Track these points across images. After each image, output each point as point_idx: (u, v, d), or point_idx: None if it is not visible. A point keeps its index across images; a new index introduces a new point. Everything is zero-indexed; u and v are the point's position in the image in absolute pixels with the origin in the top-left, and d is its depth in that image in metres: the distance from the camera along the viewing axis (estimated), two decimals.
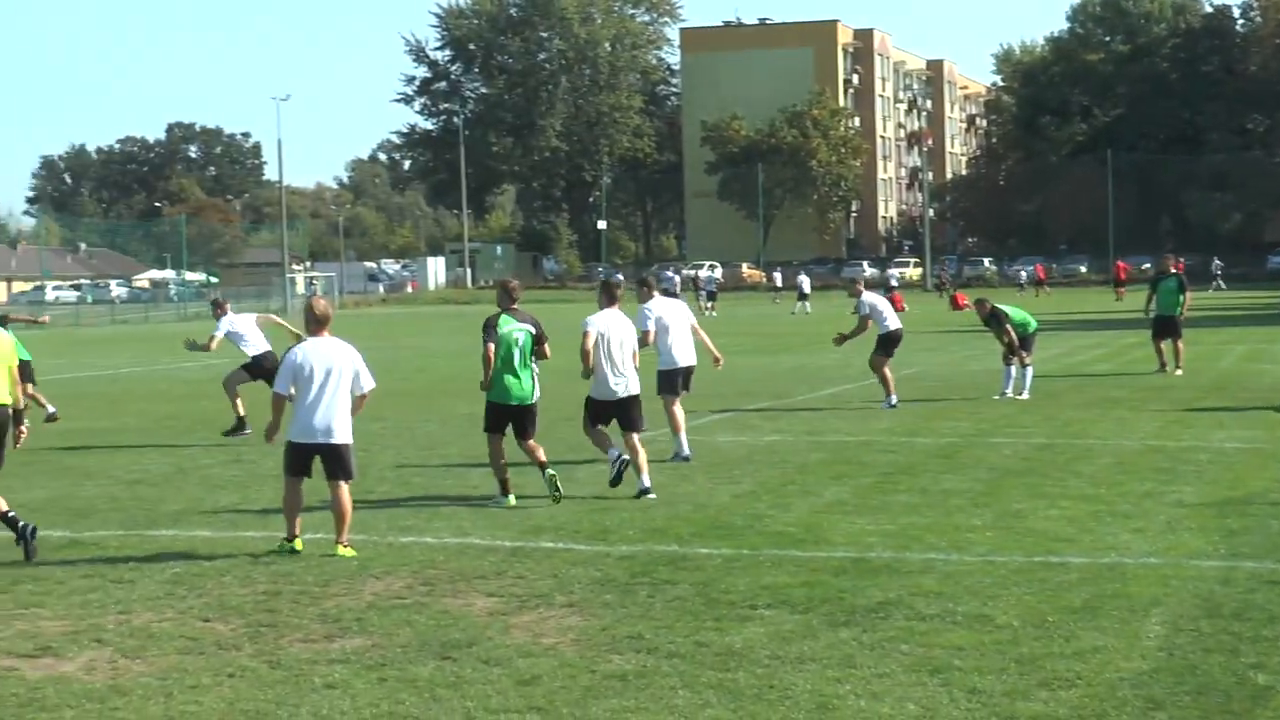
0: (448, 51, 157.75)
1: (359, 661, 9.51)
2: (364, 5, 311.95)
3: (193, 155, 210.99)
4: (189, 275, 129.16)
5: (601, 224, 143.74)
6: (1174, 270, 31.51)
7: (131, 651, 9.87)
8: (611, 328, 16.55)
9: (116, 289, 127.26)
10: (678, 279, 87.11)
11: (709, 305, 78.02)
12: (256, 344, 22.94)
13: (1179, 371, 29.93)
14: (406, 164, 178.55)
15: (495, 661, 9.45)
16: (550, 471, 15.67)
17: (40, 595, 11.58)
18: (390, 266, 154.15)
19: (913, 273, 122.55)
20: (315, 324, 13.44)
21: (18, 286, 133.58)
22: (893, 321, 25.91)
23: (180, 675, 9.26)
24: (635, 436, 16.44)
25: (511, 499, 15.62)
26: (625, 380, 16.57)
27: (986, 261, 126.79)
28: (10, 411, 13.58)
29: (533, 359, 15.92)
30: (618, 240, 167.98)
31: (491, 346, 15.77)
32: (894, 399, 25.06)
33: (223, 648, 9.94)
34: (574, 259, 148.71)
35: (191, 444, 21.58)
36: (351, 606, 11.03)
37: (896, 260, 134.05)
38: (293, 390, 13.12)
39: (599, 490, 16.39)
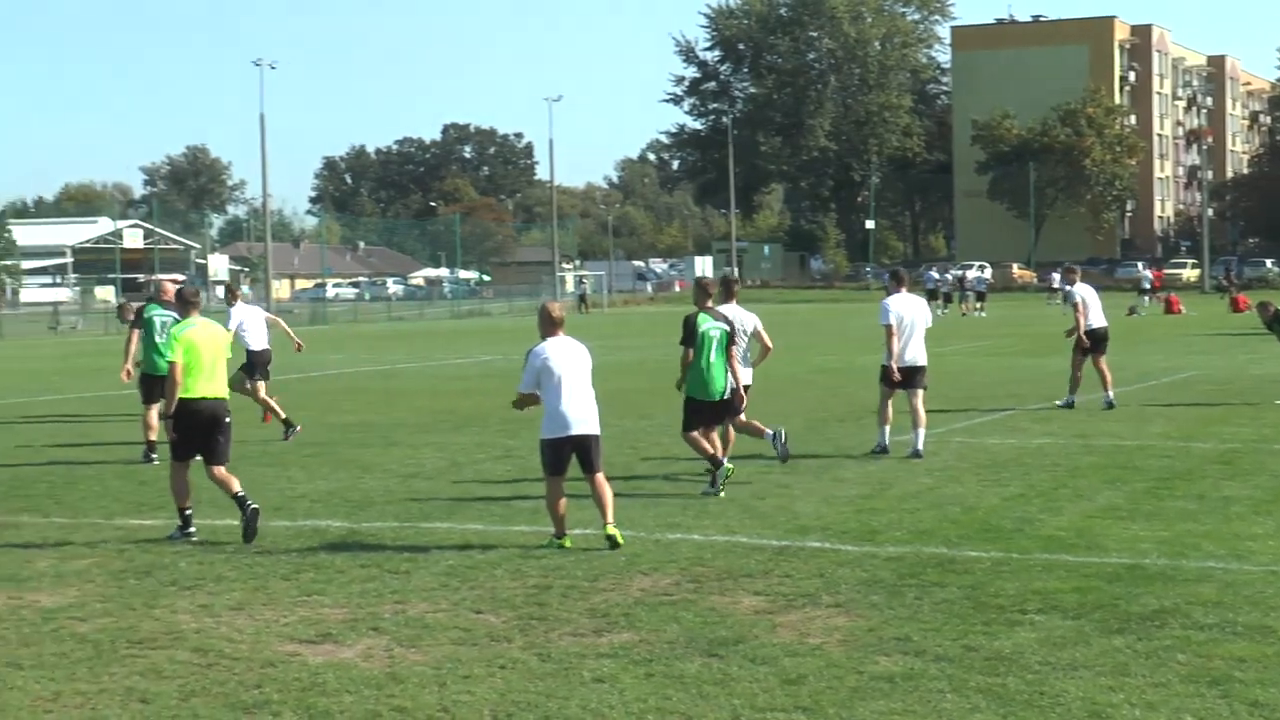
0: (717, 52, 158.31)
1: (627, 656, 9.60)
2: (634, 6, 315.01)
3: (467, 156, 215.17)
4: (462, 273, 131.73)
5: (869, 223, 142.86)
6: None
7: (407, 640, 10.11)
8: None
9: (393, 286, 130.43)
10: (945, 277, 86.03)
11: (978, 305, 77.06)
12: (257, 339, 23.12)
13: None
14: (675, 164, 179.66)
15: (762, 660, 9.46)
16: (728, 466, 16.24)
17: (321, 584, 11.92)
18: (658, 265, 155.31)
19: (1190, 274, 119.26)
20: (551, 326, 13.68)
21: (300, 284, 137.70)
22: (1097, 318, 25.24)
23: (454, 665, 9.46)
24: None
25: (722, 492, 16.09)
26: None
27: (1269, 263, 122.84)
28: (223, 404, 14.43)
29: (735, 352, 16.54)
30: (886, 240, 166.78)
31: (689, 349, 16.35)
32: (1073, 399, 24.64)
33: (494, 639, 10.12)
34: (841, 258, 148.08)
35: (465, 439, 21.98)
36: (619, 602, 11.14)
37: (1173, 261, 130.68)
38: (538, 390, 13.44)
39: (866, 491, 16.31)
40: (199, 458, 14.34)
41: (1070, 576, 11.72)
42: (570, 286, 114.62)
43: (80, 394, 31.94)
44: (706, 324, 16.37)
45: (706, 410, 16.46)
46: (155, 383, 19.51)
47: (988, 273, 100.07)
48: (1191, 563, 12.21)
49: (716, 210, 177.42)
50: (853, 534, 13.75)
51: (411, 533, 14.18)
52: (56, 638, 10.28)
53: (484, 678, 9.18)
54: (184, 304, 15.23)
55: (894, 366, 19.29)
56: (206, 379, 14.28)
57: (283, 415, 22.38)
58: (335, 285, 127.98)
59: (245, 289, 23.47)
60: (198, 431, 14.25)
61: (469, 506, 15.70)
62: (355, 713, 8.52)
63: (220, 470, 14.32)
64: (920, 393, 19.56)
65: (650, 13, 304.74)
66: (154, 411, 19.69)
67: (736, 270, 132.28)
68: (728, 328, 16.52)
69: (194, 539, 14.14)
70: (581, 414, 13.41)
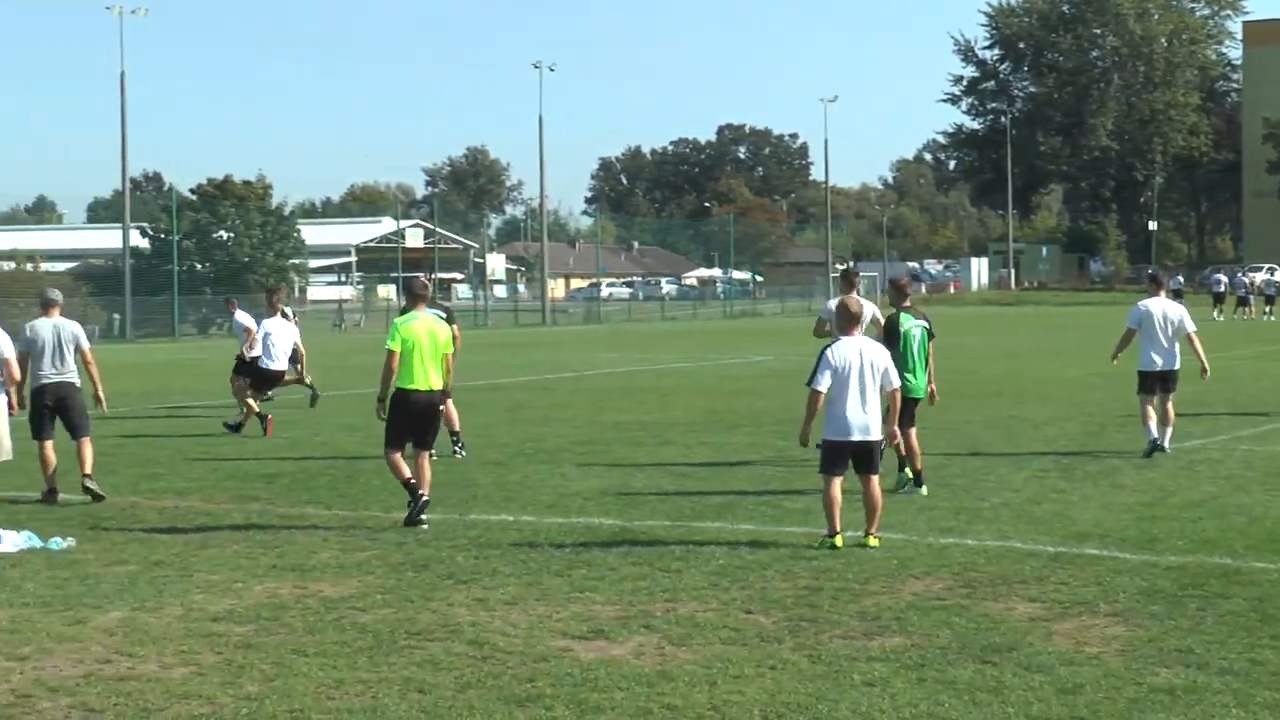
0: (997, 50, 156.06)
1: (898, 660, 9.53)
2: (912, 6, 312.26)
3: (741, 156, 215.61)
4: (736, 273, 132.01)
5: (1152, 224, 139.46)
6: None
7: (678, 639, 10.17)
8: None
9: (666, 286, 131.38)
10: (1240, 280, 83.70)
11: (1267, 310, 74.75)
12: (278, 358, 22.41)
13: None
14: (951, 164, 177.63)
15: (1036, 668, 9.31)
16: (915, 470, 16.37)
17: (594, 580, 12.06)
18: (933, 267, 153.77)
19: None
20: (850, 322, 13.63)
21: (575, 283, 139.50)
22: None
23: (724, 665, 9.49)
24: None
25: (924, 489, 16.22)
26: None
27: None
28: (438, 396, 15.12)
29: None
30: (1169, 241, 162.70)
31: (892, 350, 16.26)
32: None
33: (765, 640, 10.13)
34: (1122, 260, 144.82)
35: (737, 439, 22.03)
36: (891, 605, 11.06)
37: None
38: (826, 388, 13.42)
39: (1146, 498, 15.95)
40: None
41: None
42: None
43: (359, 390, 32.79)
44: (908, 323, 16.70)
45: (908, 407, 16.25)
46: None
47: (1278, 275, 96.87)
48: None
49: (993, 211, 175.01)
50: (1132, 542, 13.45)
51: (683, 531, 14.26)
52: (339, 627, 10.58)
53: (754, 678, 9.20)
54: (411, 296, 15.74)
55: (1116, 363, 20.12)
56: (421, 370, 14.93)
57: (253, 412, 22.36)
58: (609, 285, 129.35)
59: (287, 308, 22.30)
60: (412, 420, 14.96)
61: (740, 506, 15.73)
62: (626, 709, 8.60)
63: (424, 458, 15.07)
64: (1170, 396, 19.68)
65: (928, 12, 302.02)
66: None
67: (1014, 272, 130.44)
68: (927, 325, 16.81)
69: (424, 525, 14.69)
70: (866, 419, 13.39)
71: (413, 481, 14.81)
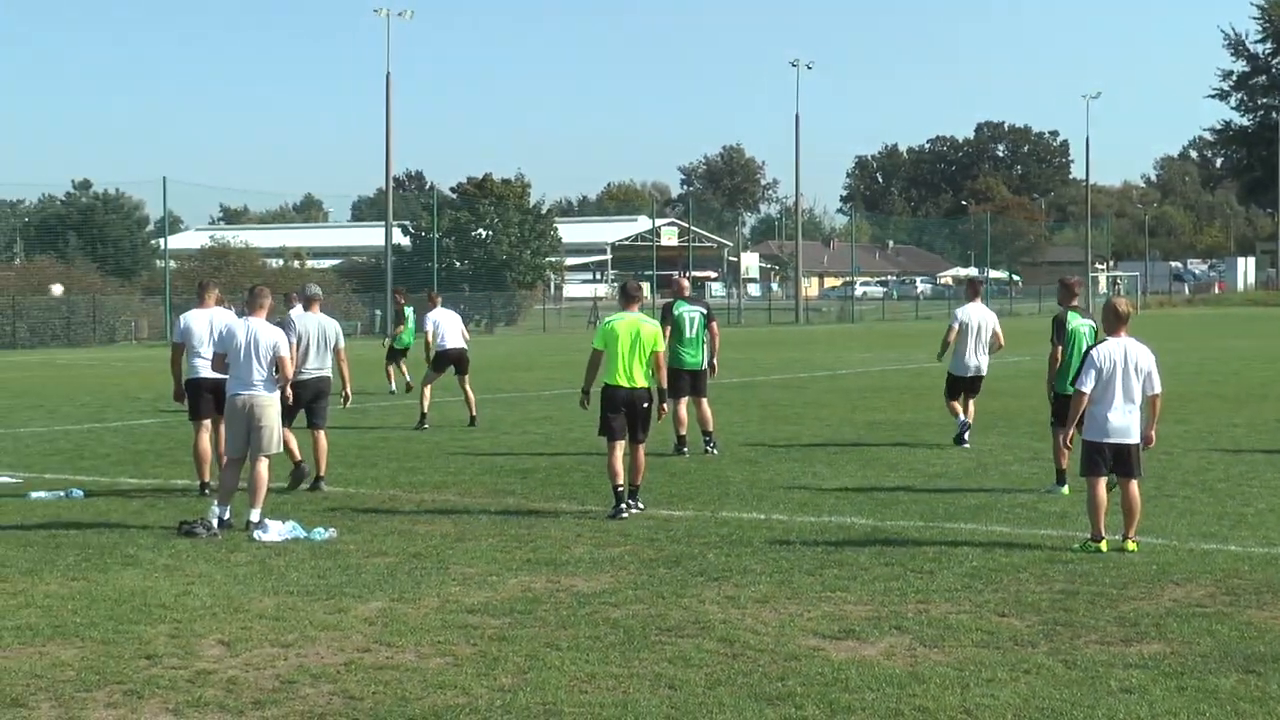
0: (1269, 44, 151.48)
1: (1157, 668, 9.32)
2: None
3: (1000, 154, 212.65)
4: (992, 273, 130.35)
5: None
6: None
7: (930, 640, 10.08)
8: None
9: (921, 285, 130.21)
10: None
11: None
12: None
13: None
14: (1218, 161, 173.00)
15: None
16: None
17: (845, 580, 12.01)
18: (1197, 266, 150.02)
19: None
20: (1117, 322, 13.41)
21: (829, 282, 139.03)
22: None
23: (976, 668, 9.38)
24: None
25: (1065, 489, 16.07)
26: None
27: None
28: (641, 392, 15.57)
29: None
30: None
31: (1060, 348, 16.77)
32: None
33: (1018, 644, 9.98)
34: None
35: (992, 440, 21.76)
36: (1149, 611, 10.82)
37: None
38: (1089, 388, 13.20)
39: None
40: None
41: None
42: (1103, 287, 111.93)
43: None
44: (1075, 322, 16.85)
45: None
46: (687, 377, 20.29)
47: None
48: None
49: (1261, 210, 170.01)
50: None
51: (935, 532, 14.14)
52: (591, 622, 10.69)
53: (1007, 682, 9.07)
54: (624, 297, 16.46)
55: None
56: (624, 367, 15.49)
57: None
58: (863, 284, 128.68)
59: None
60: (616, 413, 15.49)
61: (994, 508, 15.54)
62: (877, 710, 8.55)
63: (637, 450, 15.63)
64: None
65: (1196, 5, 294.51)
66: (682, 407, 20.28)
67: None
68: (1094, 324, 16.75)
69: (625, 516, 15.11)
70: (1123, 422, 13.20)
71: (620, 487, 15.30)
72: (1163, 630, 10.26)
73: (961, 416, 21.16)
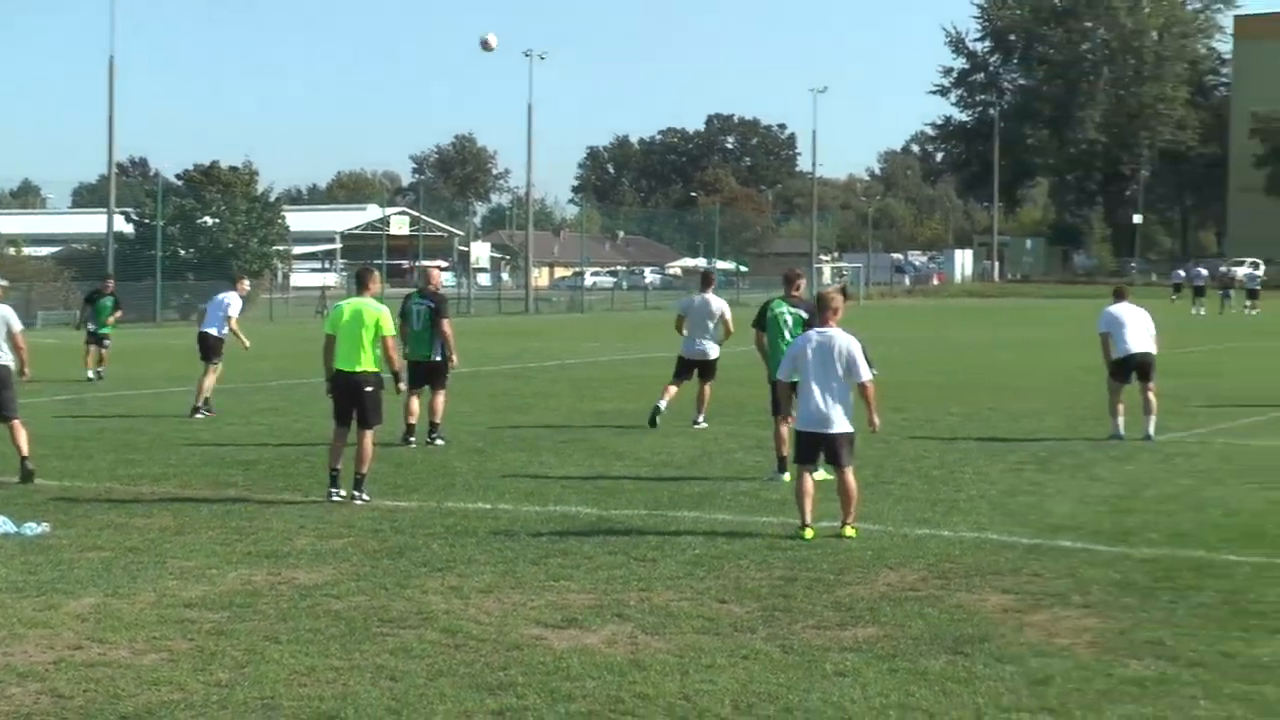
0: (987, 42, 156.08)
1: (870, 651, 9.56)
2: None
3: (729, 146, 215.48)
4: (720, 264, 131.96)
5: (1137, 218, 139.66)
6: None
7: (651, 628, 10.20)
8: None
9: (650, 276, 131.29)
10: (1198, 272, 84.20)
11: (1249, 304, 74.91)
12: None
13: None
14: (939, 156, 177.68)
15: (1008, 659, 9.35)
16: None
17: (569, 569, 12.08)
18: (917, 258, 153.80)
19: None
20: (825, 313, 13.74)
21: (559, 272, 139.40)
22: None
23: (696, 654, 9.51)
24: None
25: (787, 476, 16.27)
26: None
27: None
28: (366, 376, 15.71)
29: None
30: (1153, 235, 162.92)
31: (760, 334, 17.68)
32: None
33: (738, 629, 10.15)
34: (1106, 254, 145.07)
35: (717, 428, 22.05)
36: (865, 596, 11.10)
37: None
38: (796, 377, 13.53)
39: (1122, 491, 16.01)
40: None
41: None
42: (827, 278, 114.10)
43: None
44: (779, 309, 17.50)
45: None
46: (417, 369, 20.25)
47: (1261, 270, 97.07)
48: None
49: (979, 204, 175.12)
50: (1106, 535, 13.50)
51: (659, 520, 14.29)
52: (312, 614, 10.58)
53: (726, 667, 9.22)
54: (357, 283, 16.71)
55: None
56: (346, 353, 15.72)
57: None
58: (593, 274, 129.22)
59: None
60: (342, 399, 15.79)
61: (718, 495, 15.76)
62: (598, 697, 8.62)
63: (363, 437, 15.68)
64: (1152, 385, 20.64)
65: (919, 4, 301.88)
66: (415, 399, 20.23)
67: (998, 265, 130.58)
68: (804, 314, 17.17)
69: (335, 499, 15.36)
70: (826, 412, 13.43)
71: (334, 469, 15.59)
72: (877, 614, 10.52)
73: (663, 400, 22.40)
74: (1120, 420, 20.41)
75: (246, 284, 28.57)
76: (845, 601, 10.93)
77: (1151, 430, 20.29)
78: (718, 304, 22.97)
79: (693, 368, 22.74)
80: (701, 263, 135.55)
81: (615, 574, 11.88)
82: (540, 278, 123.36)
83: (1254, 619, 10.32)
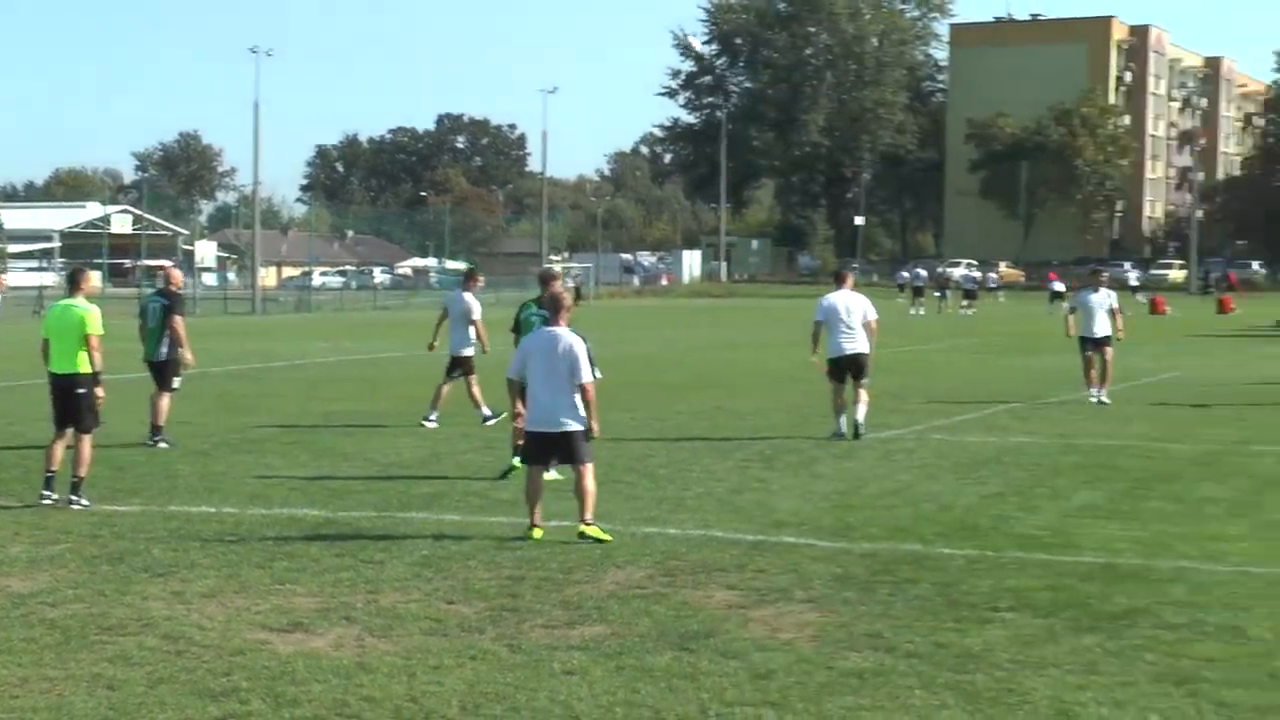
0: (714, 45, 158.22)
1: (598, 649, 9.62)
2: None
3: (460, 146, 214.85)
4: (450, 264, 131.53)
5: (859, 220, 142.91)
6: None
7: (378, 630, 10.12)
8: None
9: (380, 275, 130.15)
10: (918, 273, 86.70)
11: (965, 304, 77.10)
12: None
13: None
14: (667, 157, 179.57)
15: (732, 654, 9.49)
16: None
17: (295, 572, 11.93)
18: (646, 259, 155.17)
19: (1177, 275, 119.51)
20: (556, 312, 13.77)
21: (287, 272, 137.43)
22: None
23: (423, 656, 9.47)
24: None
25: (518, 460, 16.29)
26: None
27: (1255, 265, 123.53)
28: (73, 379, 15.40)
29: None
30: (874, 236, 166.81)
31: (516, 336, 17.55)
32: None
33: (466, 630, 10.13)
34: (830, 254, 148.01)
35: (447, 429, 21.96)
36: (593, 595, 11.16)
37: (1160, 261, 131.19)
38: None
39: (843, 487, 16.35)
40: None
41: (1044, 575, 11.76)
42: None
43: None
44: (528, 312, 17.86)
45: None
46: (150, 368, 19.99)
47: (976, 271, 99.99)
48: (1165, 563, 12.26)
49: (706, 204, 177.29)
50: (828, 530, 13.78)
51: (388, 522, 14.19)
52: (26, 623, 10.27)
53: (454, 668, 9.20)
54: (69, 284, 16.16)
55: (817, 360, 21.14)
56: (53, 354, 15.54)
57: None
58: (322, 274, 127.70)
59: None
60: (54, 401, 15.62)
61: (447, 497, 15.70)
62: (323, 701, 8.53)
63: (80, 441, 15.34)
64: (865, 382, 20.86)
65: (648, 6, 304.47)
66: (165, 397, 19.92)
67: (725, 265, 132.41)
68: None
69: (46, 502, 15.03)
70: (554, 411, 13.36)
71: (49, 472, 15.28)
72: (604, 612, 10.59)
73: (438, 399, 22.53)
74: (842, 419, 20.68)
75: None
76: (573, 600, 10.98)
77: (860, 417, 20.54)
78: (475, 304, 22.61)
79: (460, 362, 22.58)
80: (432, 262, 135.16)
81: (342, 576, 11.77)
82: (268, 277, 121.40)
83: (966, 610, 10.63)
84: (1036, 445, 20.07)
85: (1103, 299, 26.15)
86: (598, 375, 13.74)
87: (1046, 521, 14.20)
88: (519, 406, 13.82)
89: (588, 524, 13.29)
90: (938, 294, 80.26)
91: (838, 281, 21.78)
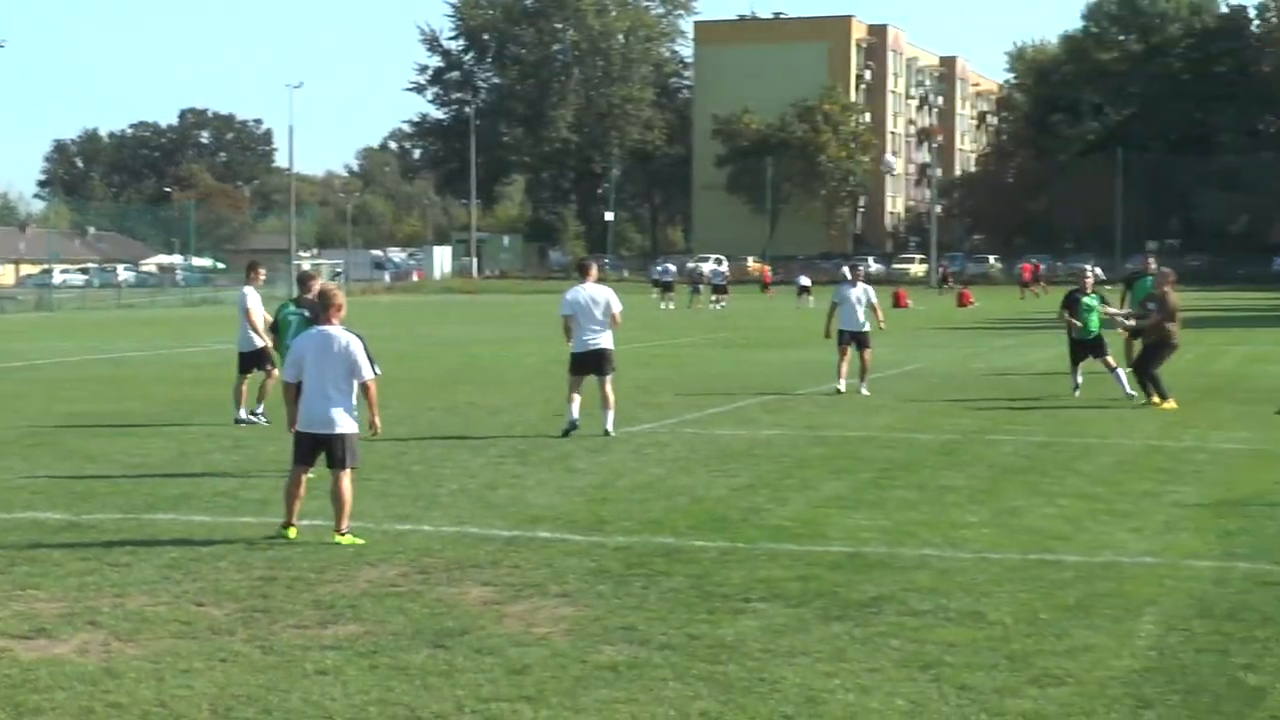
0: (462, 41, 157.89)
1: (351, 648, 9.53)
2: None
3: (204, 141, 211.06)
4: (196, 261, 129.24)
5: (609, 215, 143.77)
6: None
7: (125, 635, 9.90)
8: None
9: (124, 273, 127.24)
10: (667, 268, 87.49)
11: (714, 299, 77.96)
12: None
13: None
14: (417, 153, 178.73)
15: (487, 650, 9.47)
16: None
17: (37, 577, 11.61)
18: (397, 255, 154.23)
19: (918, 269, 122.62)
20: (326, 310, 13.49)
21: (26, 269, 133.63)
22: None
23: (173, 659, 9.29)
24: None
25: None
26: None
27: (992, 259, 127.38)
28: None
29: None
30: (624, 232, 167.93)
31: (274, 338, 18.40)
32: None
33: (216, 632, 9.96)
34: (580, 250, 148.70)
35: (195, 429, 21.58)
36: (346, 594, 11.05)
37: (902, 256, 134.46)
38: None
39: (598, 481, 16.43)
40: None
41: (794, 565, 11.96)
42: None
43: None
44: (287, 311, 18.09)
45: None
46: None
47: (725, 266, 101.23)
48: (909, 550, 12.55)
49: (457, 200, 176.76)
50: (582, 524, 13.84)
51: (134, 524, 13.88)
52: None
53: (204, 671, 9.04)
54: None
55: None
56: None
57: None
58: (63, 271, 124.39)
59: None
60: None
61: (195, 498, 15.42)
62: (68, 709, 8.32)
63: None
64: (609, 378, 20.61)
65: (396, 2, 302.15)
66: None
67: (476, 261, 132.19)
68: (307, 314, 17.51)
69: None
70: (324, 413, 13.09)
71: None
72: (358, 611, 10.50)
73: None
74: (574, 407, 20.39)
75: None
76: (326, 600, 10.86)
77: (610, 426, 20.30)
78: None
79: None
80: (178, 259, 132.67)
81: (87, 580, 11.48)
82: (4, 275, 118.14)
83: (718, 601, 10.76)
84: (785, 437, 20.39)
85: (861, 294, 26.72)
86: (377, 371, 13.57)
87: (795, 512, 14.43)
88: (294, 414, 13.47)
89: (342, 534, 13.00)
90: (690, 289, 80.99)
91: (581, 274, 21.54)
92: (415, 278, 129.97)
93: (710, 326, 55.89)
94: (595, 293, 20.83)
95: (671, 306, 74.82)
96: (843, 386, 26.16)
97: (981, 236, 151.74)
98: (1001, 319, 58.59)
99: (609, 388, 20.56)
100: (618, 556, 12.34)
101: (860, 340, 26.59)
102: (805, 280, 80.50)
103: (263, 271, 23.18)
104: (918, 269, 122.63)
